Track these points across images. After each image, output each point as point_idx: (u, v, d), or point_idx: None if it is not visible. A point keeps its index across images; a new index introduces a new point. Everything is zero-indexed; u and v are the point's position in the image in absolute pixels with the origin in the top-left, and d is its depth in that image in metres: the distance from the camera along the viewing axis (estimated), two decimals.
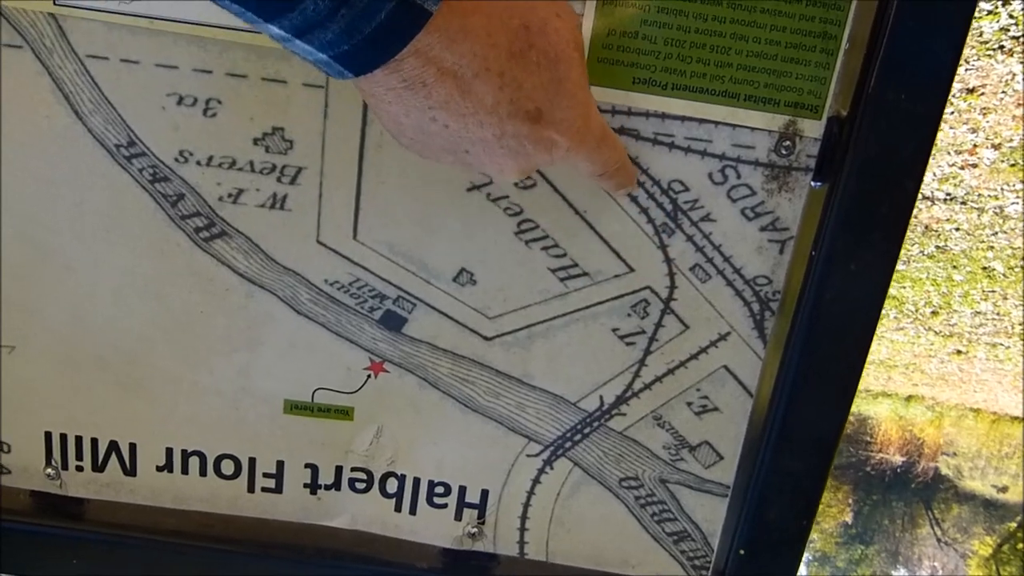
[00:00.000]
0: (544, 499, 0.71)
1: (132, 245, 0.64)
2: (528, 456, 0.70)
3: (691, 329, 0.66)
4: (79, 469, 0.71)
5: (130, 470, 0.70)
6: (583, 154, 0.51)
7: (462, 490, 0.71)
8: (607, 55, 0.58)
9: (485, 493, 0.71)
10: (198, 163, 0.61)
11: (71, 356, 0.67)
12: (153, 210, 0.63)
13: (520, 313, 0.66)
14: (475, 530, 0.71)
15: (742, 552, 0.69)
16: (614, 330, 0.66)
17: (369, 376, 0.68)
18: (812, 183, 0.62)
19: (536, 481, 0.70)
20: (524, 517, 0.71)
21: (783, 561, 0.69)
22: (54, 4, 0.58)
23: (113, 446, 0.70)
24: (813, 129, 0.60)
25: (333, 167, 0.61)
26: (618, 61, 0.58)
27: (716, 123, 0.60)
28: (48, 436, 0.70)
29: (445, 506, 0.71)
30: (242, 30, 0.58)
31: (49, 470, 0.71)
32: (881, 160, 0.59)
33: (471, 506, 0.71)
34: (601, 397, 0.68)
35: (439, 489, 0.71)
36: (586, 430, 0.69)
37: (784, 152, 0.61)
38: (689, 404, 0.68)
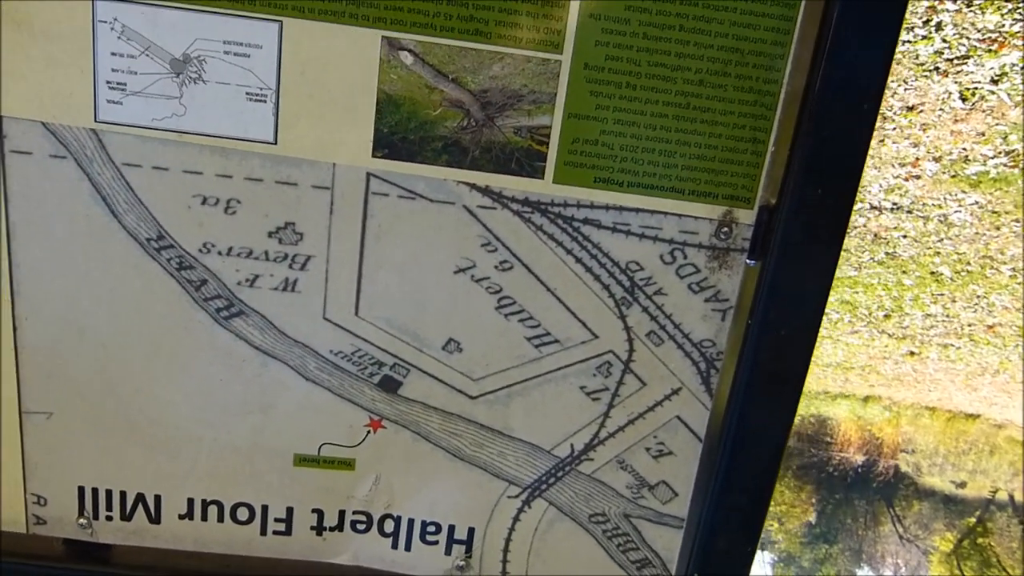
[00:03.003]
0: (523, 534, 0.81)
1: (160, 323, 0.73)
2: (509, 497, 0.80)
3: (648, 386, 0.76)
4: (108, 519, 0.79)
5: (155, 518, 0.79)
6: None
7: (451, 528, 0.81)
8: (572, 159, 0.68)
9: (471, 531, 0.81)
10: (219, 253, 0.71)
11: (103, 420, 0.76)
12: (179, 293, 0.72)
13: (501, 375, 0.76)
14: (463, 563, 0.81)
15: None
16: (582, 388, 0.76)
17: (369, 432, 0.77)
18: (747, 261, 0.72)
19: (516, 519, 0.80)
20: (506, 550, 0.81)
21: None
22: (95, 120, 0.67)
23: (140, 498, 0.79)
24: (747, 217, 0.71)
25: (338, 255, 0.71)
26: (582, 164, 0.69)
27: (665, 213, 0.71)
28: (81, 490, 0.79)
29: (436, 543, 0.81)
30: (258, 141, 0.67)
31: (82, 520, 0.79)
32: (803, 243, 0.70)
33: (459, 542, 0.81)
34: (572, 445, 0.78)
35: (431, 528, 0.81)
36: (559, 474, 0.79)
37: (723, 236, 0.72)
38: (648, 449, 0.78)
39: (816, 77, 0.66)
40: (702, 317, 0.74)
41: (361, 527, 0.81)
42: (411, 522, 0.81)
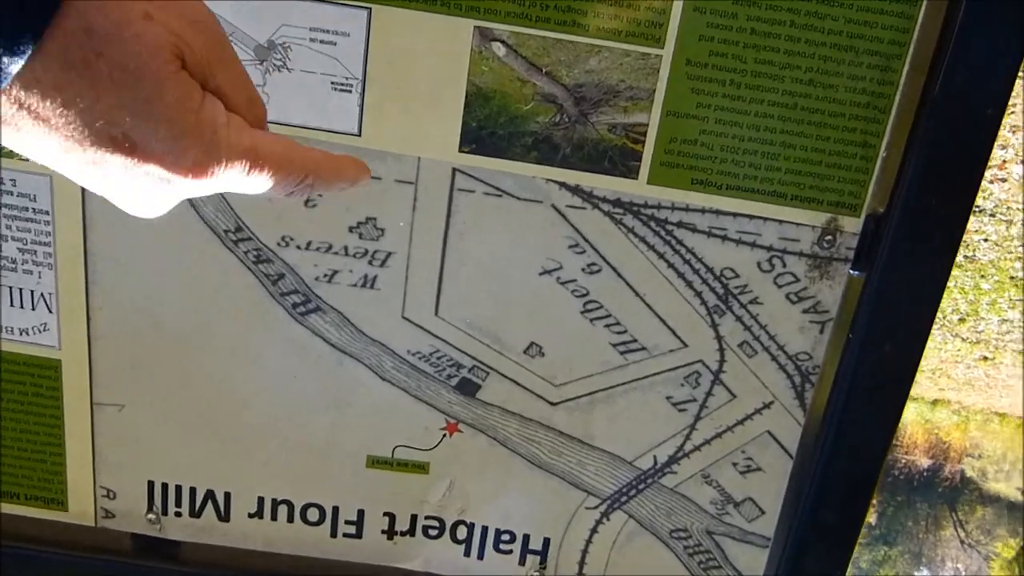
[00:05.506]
0: (600, 547, 0.78)
1: (235, 318, 0.71)
2: (587, 508, 0.77)
3: (738, 398, 0.73)
4: (178, 515, 0.78)
5: (224, 516, 0.78)
6: (228, 189, 0.40)
7: (526, 538, 0.78)
8: (669, 159, 0.65)
9: (547, 541, 0.78)
10: (298, 247, 0.69)
11: (175, 414, 0.74)
12: (256, 287, 0.70)
13: (583, 382, 0.73)
14: (537, 574, 0.78)
15: None
16: (668, 398, 0.73)
17: (444, 435, 0.75)
18: (851, 272, 0.68)
19: (594, 531, 0.77)
20: (582, 563, 0.78)
21: None
22: None
23: (210, 494, 0.77)
24: (852, 225, 0.67)
25: (419, 252, 0.69)
26: (679, 164, 0.65)
27: (765, 219, 0.67)
28: (151, 485, 0.77)
29: (510, 552, 0.78)
30: (342, 133, 0.65)
31: (150, 515, 0.78)
32: (914, 254, 0.66)
33: (534, 552, 0.78)
34: (655, 457, 0.75)
35: (505, 536, 0.78)
36: (640, 486, 0.76)
37: (826, 245, 0.67)
38: (735, 464, 0.75)
39: (937, 79, 0.62)
40: (799, 329, 0.70)
41: (433, 533, 0.78)
42: (485, 529, 0.78)
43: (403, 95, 0.64)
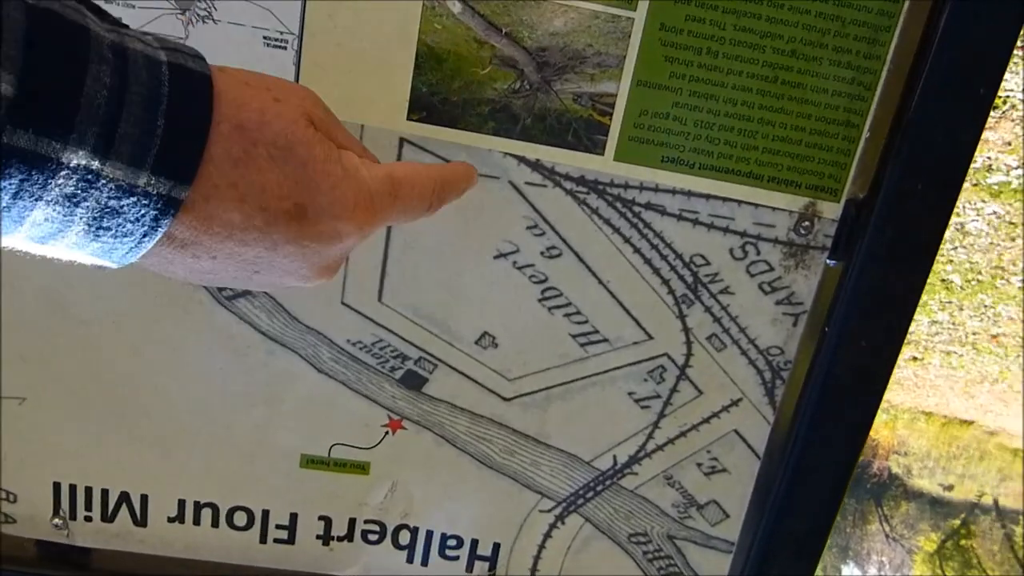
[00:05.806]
0: (554, 553, 0.72)
1: (153, 301, 0.64)
2: (541, 511, 0.71)
3: (704, 395, 0.68)
4: (88, 519, 0.70)
5: (141, 521, 0.70)
6: (386, 220, 0.44)
7: (474, 543, 0.72)
8: (638, 134, 0.59)
9: (497, 546, 0.72)
10: None
11: (85, 408, 0.67)
12: None
13: (539, 376, 0.67)
14: None
15: None
16: (630, 394, 0.67)
17: (387, 433, 0.68)
18: (828, 261, 0.64)
19: (547, 535, 0.72)
20: (534, 570, 0.73)
21: None
22: None
23: (124, 497, 0.70)
24: (831, 210, 0.62)
25: None
26: (649, 140, 0.60)
27: (739, 202, 0.62)
28: (57, 486, 0.70)
29: (457, 558, 0.72)
30: None
31: (56, 520, 0.70)
32: (896, 243, 0.61)
33: (482, 559, 0.72)
34: (614, 457, 0.69)
35: (451, 542, 0.72)
36: (598, 488, 0.70)
37: (803, 231, 0.63)
38: (699, 465, 0.70)
39: (927, 54, 0.57)
40: (771, 321, 0.65)
41: (373, 538, 0.72)
42: (429, 534, 0.72)
43: (345, 54, 0.57)
